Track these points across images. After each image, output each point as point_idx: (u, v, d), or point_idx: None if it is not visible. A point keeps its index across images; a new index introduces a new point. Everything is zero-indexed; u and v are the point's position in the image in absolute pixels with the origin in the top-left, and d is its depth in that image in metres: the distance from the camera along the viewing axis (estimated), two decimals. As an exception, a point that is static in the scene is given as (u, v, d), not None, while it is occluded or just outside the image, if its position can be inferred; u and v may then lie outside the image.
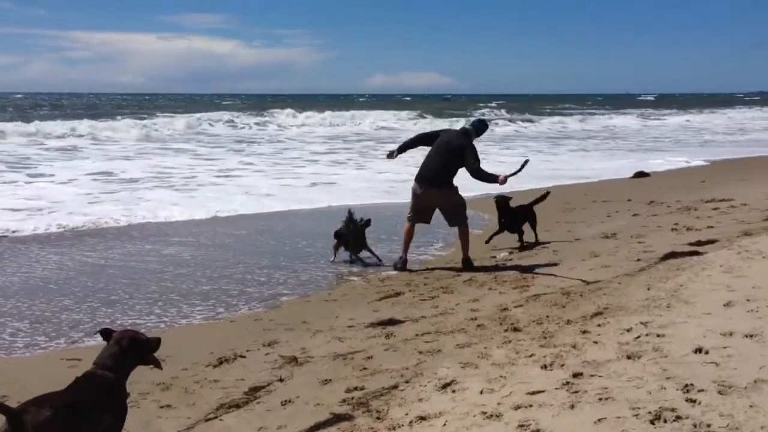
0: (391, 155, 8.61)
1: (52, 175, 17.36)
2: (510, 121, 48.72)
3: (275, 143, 30.12)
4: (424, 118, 49.14)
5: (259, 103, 78.54)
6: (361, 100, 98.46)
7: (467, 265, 8.25)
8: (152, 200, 13.40)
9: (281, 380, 4.72)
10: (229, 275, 8.12)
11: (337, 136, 34.49)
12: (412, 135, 9.07)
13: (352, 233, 8.65)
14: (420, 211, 8.48)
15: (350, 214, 8.81)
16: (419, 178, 8.37)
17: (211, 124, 39.59)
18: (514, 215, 9.31)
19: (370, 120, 43.56)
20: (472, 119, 8.76)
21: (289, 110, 48.27)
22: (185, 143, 28.83)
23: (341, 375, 4.71)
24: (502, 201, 9.25)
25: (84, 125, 32.78)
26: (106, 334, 3.54)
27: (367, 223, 8.78)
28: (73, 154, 23.61)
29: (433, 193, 8.31)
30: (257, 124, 40.83)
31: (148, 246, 9.67)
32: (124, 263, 8.69)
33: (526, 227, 9.42)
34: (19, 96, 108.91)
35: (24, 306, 6.93)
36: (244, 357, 5.29)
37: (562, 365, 4.18)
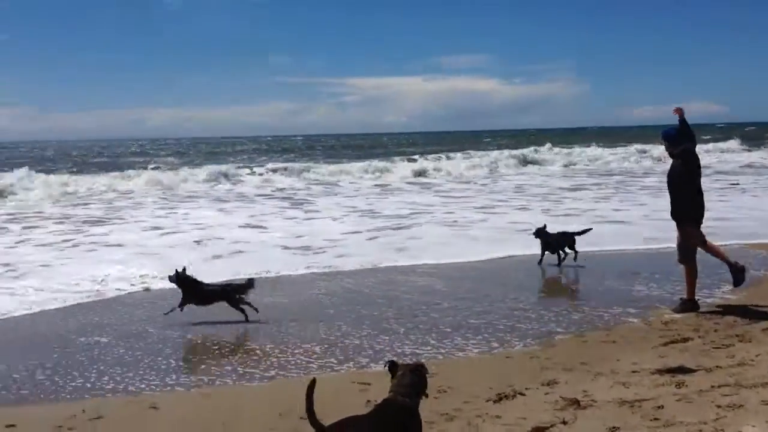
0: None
1: (318, 211, 19.00)
2: None
3: (538, 177, 29.82)
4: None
5: (518, 138, 77.75)
6: (628, 133, 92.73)
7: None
8: (424, 238, 13.78)
9: (564, 423, 4.56)
10: (496, 310, 8.16)
11: (611, 171, 33.18)
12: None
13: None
14: (693, 249, 7.97)
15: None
16: (701, 215, 7.91)
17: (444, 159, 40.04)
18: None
19: (650, 153, 40.34)
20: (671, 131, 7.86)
21: (548, 144, 47.02)
22: (432, 179, 29.96)
23: (630, 423, 4.42)
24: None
25: (350, 165, 35.48)
26: (392, 366, 3.76)
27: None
28: (337, 190, 25.78)
29: None
30: (515, 158, 40.02)
31: (412, 278, 10.11)
32: (386, 292, 9.22)
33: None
34: (300, 138, 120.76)
35: (309, 329, 7.56)
36: (523, 395, 5.21)
37: None
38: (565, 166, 37.12)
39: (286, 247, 13.00)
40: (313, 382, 3.51)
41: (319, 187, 27.17)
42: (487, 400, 5.14)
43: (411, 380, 3.63)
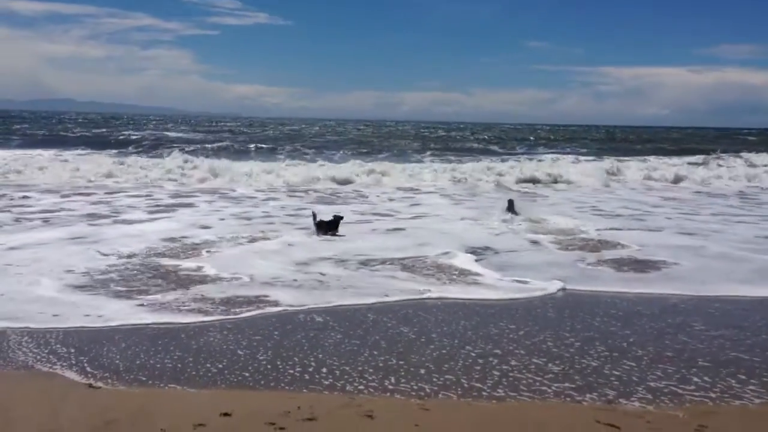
0: None
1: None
2: None
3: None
4: None
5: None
6: None
7: None
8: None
9: None
10: (763, 344, 6.73)
11: None
12: None
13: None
14: None
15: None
16: None
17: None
18: None
19: None
20: None
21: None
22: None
23: None
24: None
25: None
26: None
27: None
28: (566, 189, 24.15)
29: None
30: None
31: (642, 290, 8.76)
32: (613, 301, 8.01)
33: None
34: (547, 127, 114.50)
35: (534, 338, 6.70)
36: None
37: None
38: None
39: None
40: None
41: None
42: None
43: None
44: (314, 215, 12.67)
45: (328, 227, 12.31)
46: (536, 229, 13.14)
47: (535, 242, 12.02)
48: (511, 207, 14.80)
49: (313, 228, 12.41)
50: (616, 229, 13.84)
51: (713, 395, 5.39)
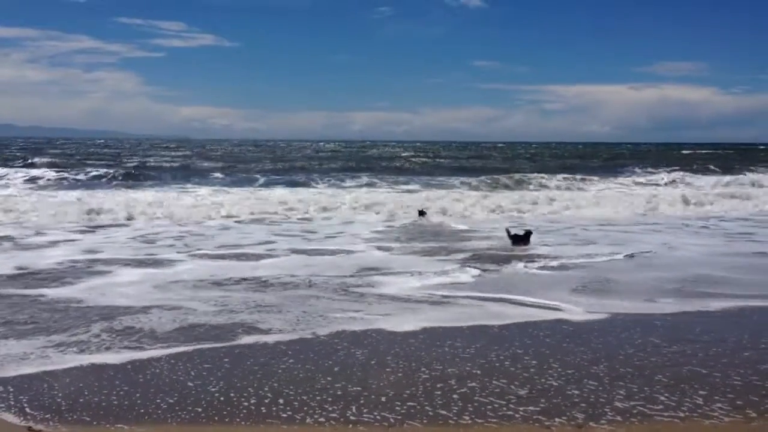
0: None
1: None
2: None
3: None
4: None
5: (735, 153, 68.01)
6: None
7: None
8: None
9: None
10: (720, 355, 6.76)
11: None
12: None
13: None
14: None
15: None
16: None
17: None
18: None
19: None
20: None
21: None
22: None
23: None
24: None
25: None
26: None
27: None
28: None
29: None
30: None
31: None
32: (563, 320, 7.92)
33: None
34: (486, 144, 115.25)
35: (490, 354, 6.53)
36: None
37: None
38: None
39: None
40: None
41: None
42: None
43: None
44: (508, 231, 14.25)
45: (522, 239, 13.73)
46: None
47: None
48: (422, 213, 19.08)
49: (509, 241, 13.89)
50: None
51: (682, 414, 5.32)
